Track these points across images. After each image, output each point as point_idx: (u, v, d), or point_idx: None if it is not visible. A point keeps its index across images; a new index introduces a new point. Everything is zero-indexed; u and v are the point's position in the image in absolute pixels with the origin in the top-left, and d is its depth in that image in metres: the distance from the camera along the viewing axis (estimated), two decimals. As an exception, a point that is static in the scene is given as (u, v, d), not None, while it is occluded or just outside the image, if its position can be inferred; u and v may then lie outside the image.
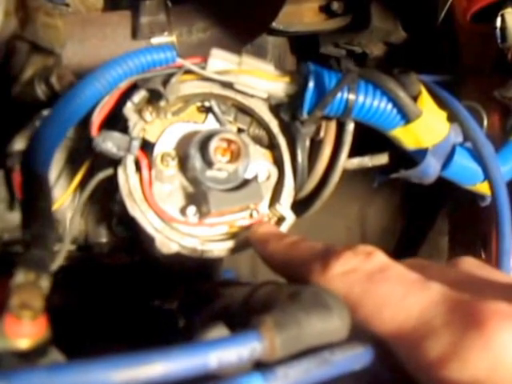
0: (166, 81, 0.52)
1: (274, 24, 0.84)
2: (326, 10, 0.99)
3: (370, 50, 1.03)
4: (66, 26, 0.60)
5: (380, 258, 0.36)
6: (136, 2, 0.66)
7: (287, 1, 0.77)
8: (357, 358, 0.33)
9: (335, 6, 0.97)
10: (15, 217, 0.53)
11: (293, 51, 1.11)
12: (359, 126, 0.56)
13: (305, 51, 1.11)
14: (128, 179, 0.51)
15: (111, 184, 0.53)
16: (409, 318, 0.31)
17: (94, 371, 0.26)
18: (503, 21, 0.82)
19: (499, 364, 0.28)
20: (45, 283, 0.33)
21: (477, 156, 0.58)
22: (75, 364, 0.26)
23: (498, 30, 0.82)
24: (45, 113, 0.52)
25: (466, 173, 0.59)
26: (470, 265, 0.37)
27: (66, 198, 0.56)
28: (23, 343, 0.31)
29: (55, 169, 0.56)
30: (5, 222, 0.53)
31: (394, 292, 0.32)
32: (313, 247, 0.40)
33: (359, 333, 0.34)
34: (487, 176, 0.56)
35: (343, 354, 0.32)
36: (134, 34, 0.65)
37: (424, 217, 1.15)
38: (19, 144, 0.52)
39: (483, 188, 0.61)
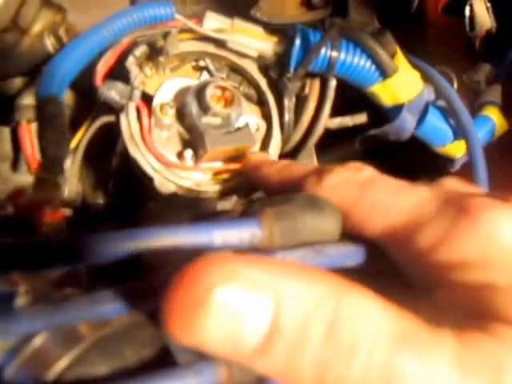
0: (165, 37, 0.56)
1: (258, 15, 0.89)
2: (306, 3, 1.05)
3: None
4: None
5: (370, 170, 0.37)
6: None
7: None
8: (350, 253, 0.35)
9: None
10: (20, 179, 0.55)
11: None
12: (339, 91, 0.61)
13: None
14: (129, 124, 0.55)
15: (110, 139, 0.57)
16: (399, 217, 0.32)
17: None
18: (471, 10, 0.88)
19: (487, 243, 0.28)
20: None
21: (449, 115, 0.63)
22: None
23: (466, 19, 0.88)
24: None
25: (438, 132, 0.64)
26: (454, 183, 0.37)
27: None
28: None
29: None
30: (8, 183, 0.56)
31: (385, 196, 0.33)
32: (306, 166, 0.42)
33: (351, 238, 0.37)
34: (461, 131, 0.61)
35: (337, 248, 0.34)
36: (133, 3, 0.69)
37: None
38: (27, 99, 0.56)
39: (453, 149, 0.66)
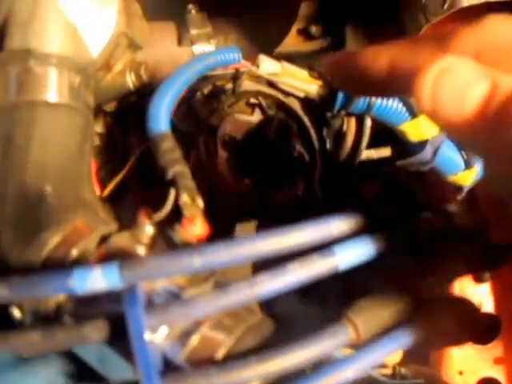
0: (233, 78, 0.65)
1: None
2: (304, 33, 1.14)
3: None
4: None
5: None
6: (178, 13, 0.79)
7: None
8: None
9: (313, 29, 1.11)
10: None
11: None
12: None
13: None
14: (199, 155, 0.64)
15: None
16: None
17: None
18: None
19: None
20: (200, 202, 0.46)
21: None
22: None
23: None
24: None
25: (452, 163, 0.73)
26: None
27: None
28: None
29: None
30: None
31: None
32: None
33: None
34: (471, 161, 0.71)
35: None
36: (180, 41, 0.78)
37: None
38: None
39: (462, 178, 0.76)
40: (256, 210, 0.65)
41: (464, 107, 0.29)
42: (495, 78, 0.29)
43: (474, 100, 0.29)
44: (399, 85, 0.35)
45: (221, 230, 0.65)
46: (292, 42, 1.16)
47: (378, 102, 0.67)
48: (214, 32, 0.78)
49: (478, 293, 0.86)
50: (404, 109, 0.68)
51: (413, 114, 0.68)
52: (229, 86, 0.66)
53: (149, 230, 0.45)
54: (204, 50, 0.77)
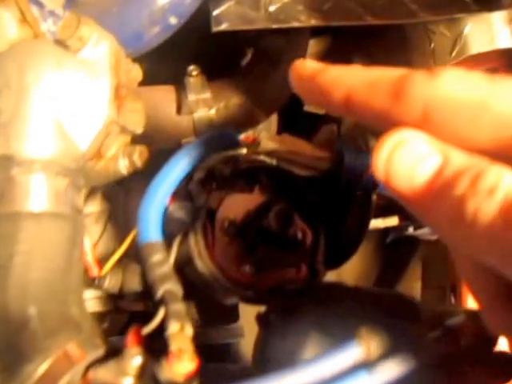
0: (227, 162, 0.63)
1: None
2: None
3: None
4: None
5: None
6: (178, 78, 0.77)
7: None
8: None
9: None
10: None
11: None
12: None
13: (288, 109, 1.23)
14: (197, 241, 0.61)
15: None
16: None
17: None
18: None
19: None
20: (189, 331, 0.43)
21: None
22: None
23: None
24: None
25: None
26: None
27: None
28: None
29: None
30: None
31: None
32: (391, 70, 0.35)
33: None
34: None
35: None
36: (179, 108, 0.75)
37: (398, 263, 1.26)
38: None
39: None
40: (259, 297, 0.62)
41: (414, 181, 0.31)
42: (446, 154, 0.31)
43: (423, 175, 0.31)
44: (355, 114, 0.36)
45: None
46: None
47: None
48: (214, 97, 0.76)
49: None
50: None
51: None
52: (227, 165, 0.64)
53: (136, 361, 0.42)
54: (204, 116, 0.75)
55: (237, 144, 0.63)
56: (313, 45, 1.09)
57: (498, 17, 0.89)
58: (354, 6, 0.77)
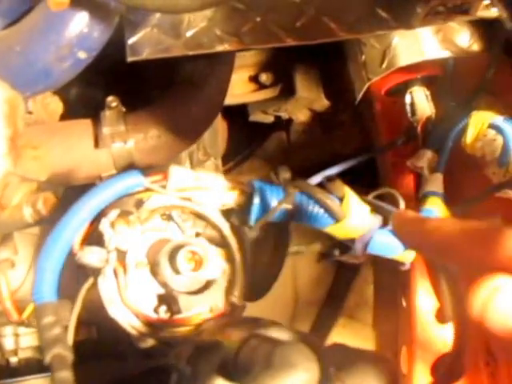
0: (137, 201, 0.62)
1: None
2: (255, 80, 1.11)
3: (295, 116, 1.16)
4: (34, 136, 0.69)
5: None
6: (96, 112, 0.76)
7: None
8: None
9: (263, 77, 1.09)
10: None
11: (224, 119, 1.21)
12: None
13: (235, 119, 1.22)
14: (108, 286, 0.60)
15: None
16: None
17: None
18: (412, 97, 0.96)
19: None
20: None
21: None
22: None
23: (407, 106, 0.96)
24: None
25: (387, 247, 0.70)
26: None
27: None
28: None
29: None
30: None
31: None
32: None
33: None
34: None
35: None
36: (97, 142, 0.74)
37: (351, 267, 1.26)
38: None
39: (403, 257, 0.72)
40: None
41: (509, 326, 0.33)
42: None
43: None
44: (450, 258, 0.40)
45: None
46: (244, 91, 1.14)
47: (296, 208, 0.63)
48: (132, 129, 0.74)
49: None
50: (325, 215, 0.64)
51: (334, 219, 0.65)
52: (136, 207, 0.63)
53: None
54: (122, 149, 0.74)
55: (142, 184, 0.62)
56: (250, 56, 1.08)
57: (424, 28, 0.88)
58: (273, 28, 0.76)
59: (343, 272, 1.29)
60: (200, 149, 1.03)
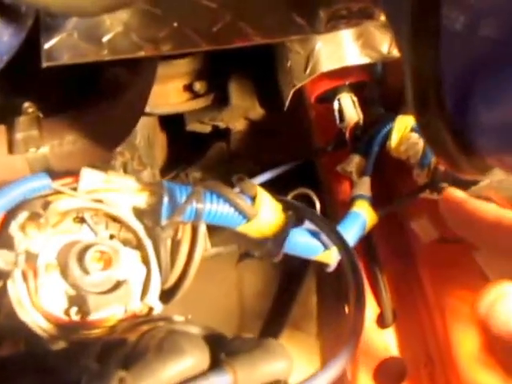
0: (44, 207, 0.62)
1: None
2: (189, 89, 1.12)
3: (232, 125, 1.16)
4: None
5: None
6: (10, 118, 0.75)
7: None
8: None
9: (197, 86, 1.10)
10: None
11: (162, 129, 1.22)
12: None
13: (173, 129, 1.22)
14: (17, 289, 0.60)
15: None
16: None
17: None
18: (340, 103, 0.98)
19: None
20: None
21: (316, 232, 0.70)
22: None
23: (336, 112, 0.97)
24: None
25: (305, 247, 0.71)
26: None
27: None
28: None
29: None
30: None
31: None
32: None
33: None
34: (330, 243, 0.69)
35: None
36: (11, 149, 0.74)
37: (295, 279, 1.26)
38: None
39: (325, 257, 0.73)
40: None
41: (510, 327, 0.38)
42: None
43: None
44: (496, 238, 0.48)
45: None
46: (179, 100, 1.14)
47: (206, 209, 0.64)
48: (47, 135, 0.74)
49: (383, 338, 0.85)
50: (236, 214, 0.65)
51: (246, 218, 0.65)
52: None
53: None
54: (38, 154, 0.74)
55: (49, 186, 0.62)
56: (184, 64, 1.09)
57: (346, 33, 0.90)
58: (189, 33, 0.77)
59: (288, 283, 1.29)
60: (135, 158, 1.03)
